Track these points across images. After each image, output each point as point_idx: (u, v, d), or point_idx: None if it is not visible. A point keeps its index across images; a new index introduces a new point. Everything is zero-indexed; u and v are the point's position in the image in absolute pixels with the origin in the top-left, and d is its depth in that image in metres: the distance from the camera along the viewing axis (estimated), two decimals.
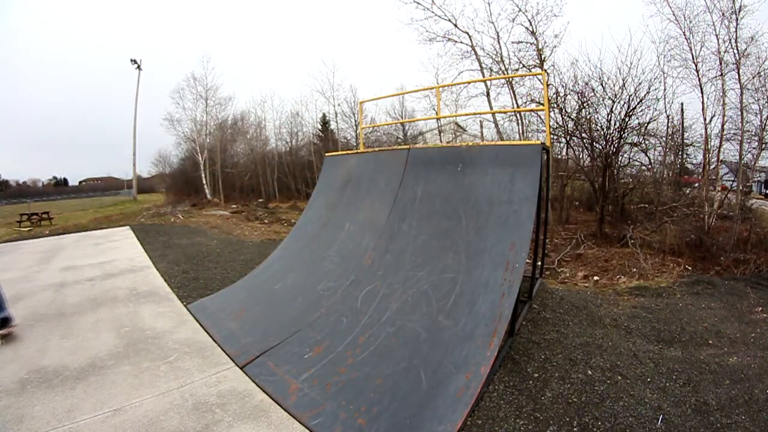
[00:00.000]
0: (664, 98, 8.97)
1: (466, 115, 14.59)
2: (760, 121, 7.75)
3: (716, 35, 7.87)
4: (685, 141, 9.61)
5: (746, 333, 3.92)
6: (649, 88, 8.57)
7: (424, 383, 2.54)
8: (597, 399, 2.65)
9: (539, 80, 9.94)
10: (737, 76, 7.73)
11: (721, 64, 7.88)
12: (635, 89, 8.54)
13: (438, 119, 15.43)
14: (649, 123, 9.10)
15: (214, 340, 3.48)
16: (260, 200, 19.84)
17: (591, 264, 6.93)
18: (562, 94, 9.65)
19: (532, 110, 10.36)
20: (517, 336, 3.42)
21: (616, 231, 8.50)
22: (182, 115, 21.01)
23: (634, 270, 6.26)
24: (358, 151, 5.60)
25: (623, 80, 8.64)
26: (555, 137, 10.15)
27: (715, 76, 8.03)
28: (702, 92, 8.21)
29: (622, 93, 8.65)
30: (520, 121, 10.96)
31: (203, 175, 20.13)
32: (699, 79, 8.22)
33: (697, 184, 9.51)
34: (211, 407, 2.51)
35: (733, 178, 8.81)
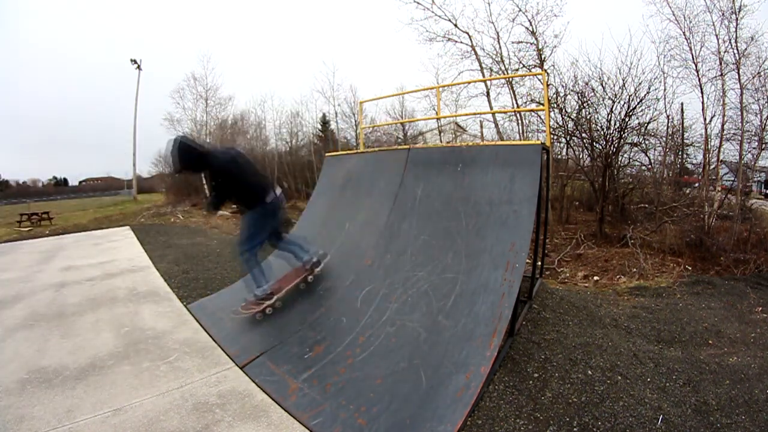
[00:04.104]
0: (664, 98, 8.95)
1: (466, 115, 14.58)
2: (760, 121, 7.73)
3: (716, 35, 7.85)
4: (685, 141, 9.58)
5: (746, 333, 3.93)
6: (649, 88, 8.55)
7: (424, 383, 2.54)
8: (597, 399, 2.65)
9: (539, 80, 9.92)
10: (737, 76, 7.70)
11: (721, 64, 7.86)
12: (635, 89, 8.51)
13: (438, 119, 15.42)
14: (649, 123, 9.08)
15: (214, 340, 3.48)
16: None
17: (591, 264, 6.93)
18: (562, 94, 9.64)
19: (532, 110, 10.35)
20: (517, 336, 3.42)
21: (616, 231, 8.49)
22: (182, 115, 20.88)
23: (634, 270, 6.26)
24: (358, 151, 5.60)
25: (623, 80, 8.62)
26: (555, 137, 10.14)
27: (715, 76, 8.01)
28: (702, 92, 8.19)
29: (622, 93, 8.63)
30: (520, 121, 10.95)
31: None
32: (699, 79, 8.19)
33: (697, 184, 9.49)
34: (211, 407, 2.51)
35: (733, 178, 8.79)
